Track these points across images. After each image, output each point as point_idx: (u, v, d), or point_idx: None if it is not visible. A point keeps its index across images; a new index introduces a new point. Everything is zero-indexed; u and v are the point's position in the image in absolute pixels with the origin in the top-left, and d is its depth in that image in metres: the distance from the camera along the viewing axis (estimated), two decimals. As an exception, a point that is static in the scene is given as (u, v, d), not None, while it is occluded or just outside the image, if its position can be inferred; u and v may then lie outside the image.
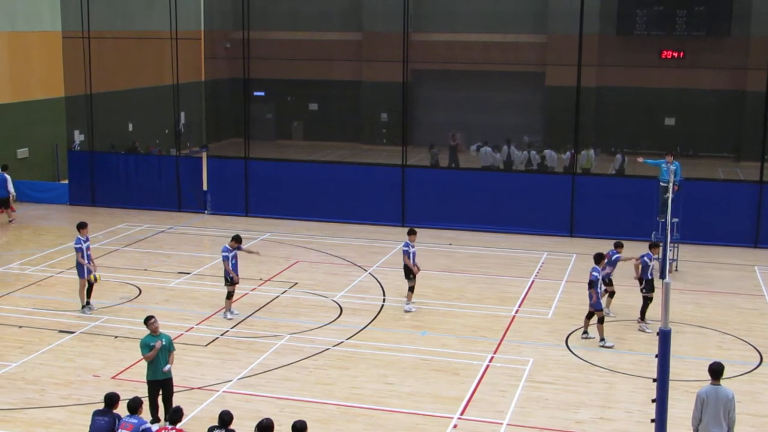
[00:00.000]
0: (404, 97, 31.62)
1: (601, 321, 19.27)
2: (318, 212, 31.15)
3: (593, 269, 19.40)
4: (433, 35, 43.12)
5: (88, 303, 21.09)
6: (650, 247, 21.02)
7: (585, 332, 19.64)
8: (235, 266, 20.73)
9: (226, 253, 20.64)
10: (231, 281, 20.68)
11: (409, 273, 21.31)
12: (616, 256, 21.00)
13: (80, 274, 21.01)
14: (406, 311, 21.40)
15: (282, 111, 47.01)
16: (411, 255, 21.18)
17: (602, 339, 19.17)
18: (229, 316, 20.72)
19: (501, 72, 43.03)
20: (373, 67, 42.60)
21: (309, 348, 18.95)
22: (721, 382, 12.99)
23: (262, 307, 21.67)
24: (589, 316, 19.53)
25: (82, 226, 21.27)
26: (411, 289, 21.50)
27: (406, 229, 22.45)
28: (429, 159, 35.41)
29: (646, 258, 20.42)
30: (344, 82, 45.29)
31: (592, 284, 19.23)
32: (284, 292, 22.86)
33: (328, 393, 16.69)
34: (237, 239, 20.95)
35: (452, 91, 43.79)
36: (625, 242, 21.83)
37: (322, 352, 18.77)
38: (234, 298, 20.98)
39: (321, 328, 20.25)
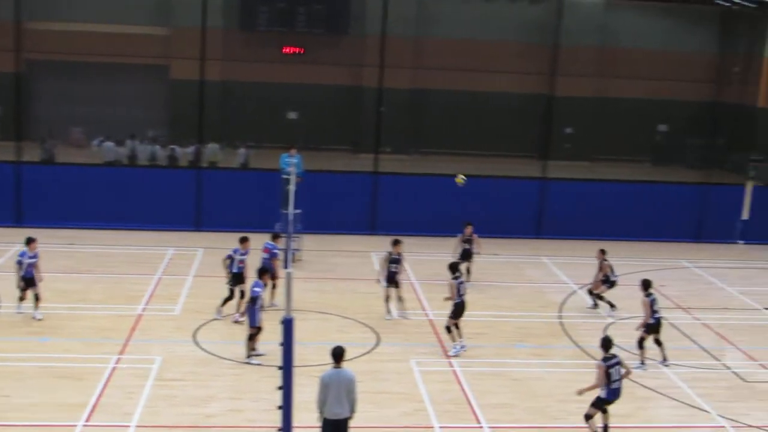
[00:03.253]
0: (17, 90, 29.89)
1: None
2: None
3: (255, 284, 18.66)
4: (49, 24, 41.20)
5: None
6: (273, 238, 21.59)
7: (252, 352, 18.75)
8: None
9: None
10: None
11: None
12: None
13: None
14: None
15: None
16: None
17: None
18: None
19: (124, 64, 42.04)
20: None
21: None
22: (344, 364, 13.55)
23: None
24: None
25: None
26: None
27: (21, 231, 21.28)
28: (41, 154, 33.72)
29: (268, 245, 21.26)
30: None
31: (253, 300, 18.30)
32: None
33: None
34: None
35: (72, 83, 42.08)
36: (251, 234, 22.12)
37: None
38: None
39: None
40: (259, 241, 21.97)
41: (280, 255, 21.87)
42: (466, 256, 24.46)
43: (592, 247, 29.36)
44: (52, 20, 41.30)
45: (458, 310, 19.14)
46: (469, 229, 24.44)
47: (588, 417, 15.00)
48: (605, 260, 22.66)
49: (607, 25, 44.62)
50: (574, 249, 29.40)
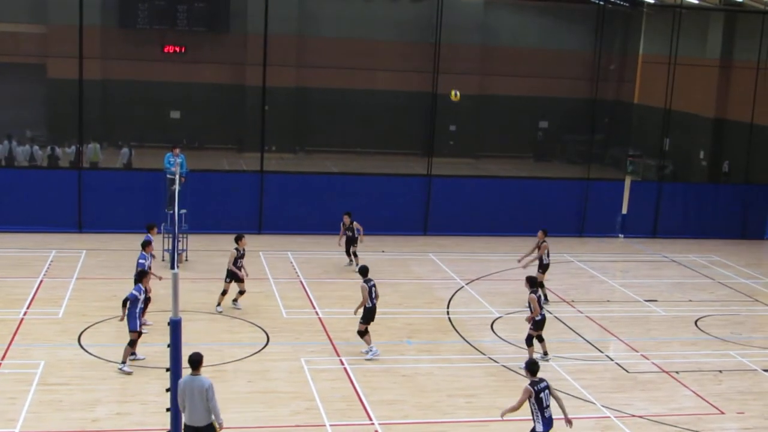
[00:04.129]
0: None
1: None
2: None
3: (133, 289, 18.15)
4: None
5: None
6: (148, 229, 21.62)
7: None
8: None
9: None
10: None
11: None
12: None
13: None
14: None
15: None
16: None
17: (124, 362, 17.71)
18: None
19: (-1, 63, 40.79)
20: None
21: None
22: (199, 370, 12.96)
23: None
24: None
25: None
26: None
27: None
28: None
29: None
30: None
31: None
32: None
33: None
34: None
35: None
36: (135, 235, 21.83)
37: None
38: None
39: None
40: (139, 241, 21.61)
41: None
42: (351, 242, 25.57)
43: (478, 243, 30.11)
44: None
45: (370, 314, 18.96)
46: (347, 218, 25.43)
47: None
48: (544, 241, 23.24)
49: (486, 24, 45.41)
50: (461, 245, 29.82)
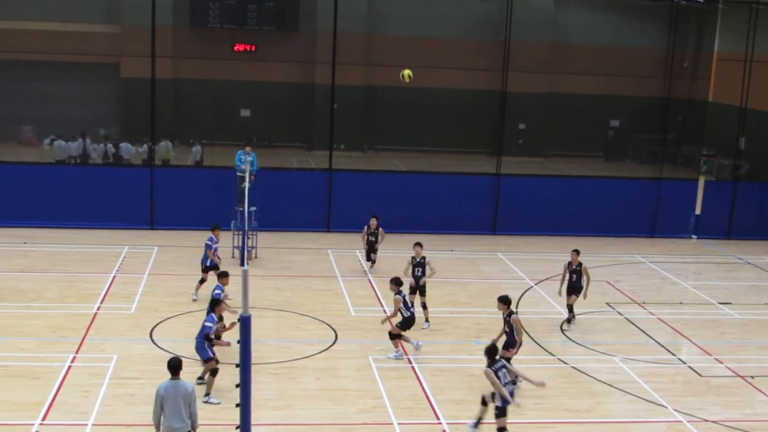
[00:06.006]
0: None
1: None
2: None
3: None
4: (-2, 23, 40.54)
5: None
6: (212, 230, 22.00)
7: None
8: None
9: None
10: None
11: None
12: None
13: None
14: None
15: None
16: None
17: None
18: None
19: (74, 62, 41.48)
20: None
21: None
22: (179, 375, 13.11)
23: None
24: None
25: None
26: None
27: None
28: None
29: (208, 241, 21.78)
30: None
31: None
32: None
33: None
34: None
35: (21, 82, 41.44)
36: (205, 232, 22.10)
37: None
38: None
39: None
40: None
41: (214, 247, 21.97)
42: (372, 246, 25.07)
43: (548, 242, 29.83)
44: (1, 18, 40.66)
45: (408, 323, 18.72)
46: (374, 222, 24.97)
47: (501, 430, 14.66)
48: (581, 263, 21.12)
49: (557, 21, 44.92)
50: (530, 244, 29.60)
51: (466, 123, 43.61)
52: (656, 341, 20.71)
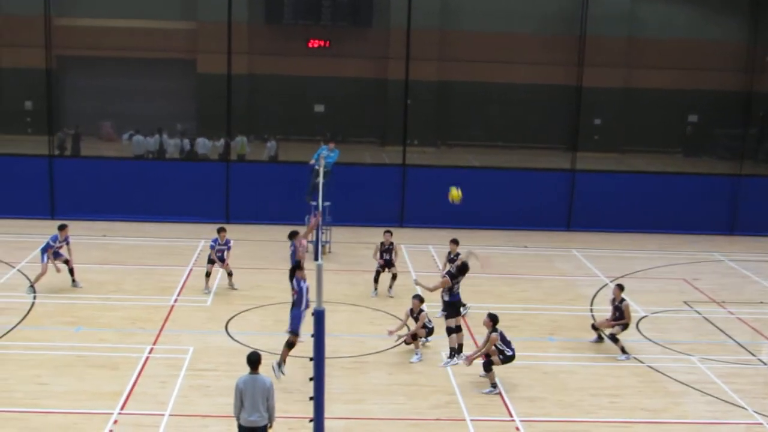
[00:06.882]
0: (48, 85, 30.15)
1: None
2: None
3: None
4: (77, 20, 41.34)
5: None
6: (218, 232, 22.47)
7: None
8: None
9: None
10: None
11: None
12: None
13: None
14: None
15: None
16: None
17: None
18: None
19: (151, 59, 42.13)
20: (14, 52, 40.16)
21: (-50, 354, 17.60)
22: (258, 370, 13.24)
23: None
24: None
25: None
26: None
27: (54, 223, 21.57)
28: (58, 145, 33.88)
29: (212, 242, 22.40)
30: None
31: None
32: None
33: (-26, 400, 15.60)
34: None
35: (101, 78, 42.27)
36: (280, 227, 22.26)
37: (-34, 356, 17.51)
38: None
39: (-37, 332, 18.86)
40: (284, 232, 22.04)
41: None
42: (388, 266, 22.87)
43: (623, 239, 29.45)
44: (80, 16, 41.44)
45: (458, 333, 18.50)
46: (388, 237, 22.93)
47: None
48: (623, 299, 19.31)
49: (633, 14, 44.26)
50: (605, 241, 29.25)
51: (540, 118, 43.23)
52: (735, 341, 20.29)
